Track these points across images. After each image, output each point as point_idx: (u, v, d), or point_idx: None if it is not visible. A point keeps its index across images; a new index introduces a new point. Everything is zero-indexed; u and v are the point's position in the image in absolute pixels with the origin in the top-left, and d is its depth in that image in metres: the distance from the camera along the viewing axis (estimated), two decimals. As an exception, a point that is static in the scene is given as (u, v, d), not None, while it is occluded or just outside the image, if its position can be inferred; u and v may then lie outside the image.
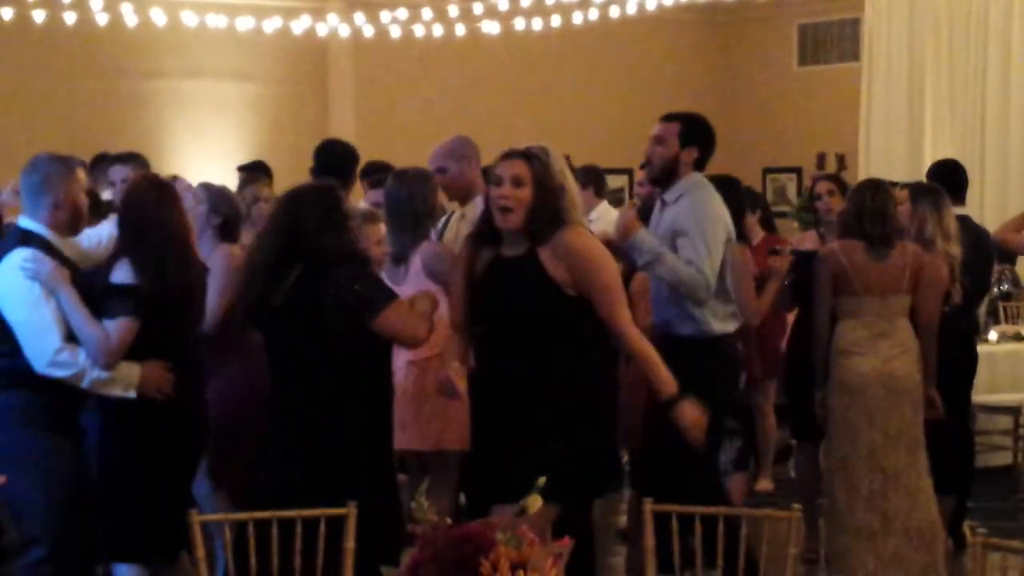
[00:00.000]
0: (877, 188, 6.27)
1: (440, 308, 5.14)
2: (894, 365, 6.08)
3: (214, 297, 5.49)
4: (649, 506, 4.11)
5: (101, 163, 7.33)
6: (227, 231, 5.99)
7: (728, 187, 6.68)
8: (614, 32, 11.88)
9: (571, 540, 3.25)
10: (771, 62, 14.39)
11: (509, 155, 4.77)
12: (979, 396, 7.63)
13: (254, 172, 9.54)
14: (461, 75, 12.69)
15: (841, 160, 13.46)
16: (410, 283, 5.78)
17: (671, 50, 14.26)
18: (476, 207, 6.41)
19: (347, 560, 4.10)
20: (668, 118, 5.94)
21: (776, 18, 13.55)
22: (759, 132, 14.27)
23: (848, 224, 6.24)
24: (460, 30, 10.95)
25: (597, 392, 4.93)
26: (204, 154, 11.43)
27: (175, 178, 7.39)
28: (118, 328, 4.91)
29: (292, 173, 9.31)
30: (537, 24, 11.12)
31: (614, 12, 11.03)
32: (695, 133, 5.84)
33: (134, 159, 6.90)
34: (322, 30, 11.05)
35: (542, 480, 3.34)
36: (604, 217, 8.21)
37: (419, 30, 10.94)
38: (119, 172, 6.67)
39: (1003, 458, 8.71)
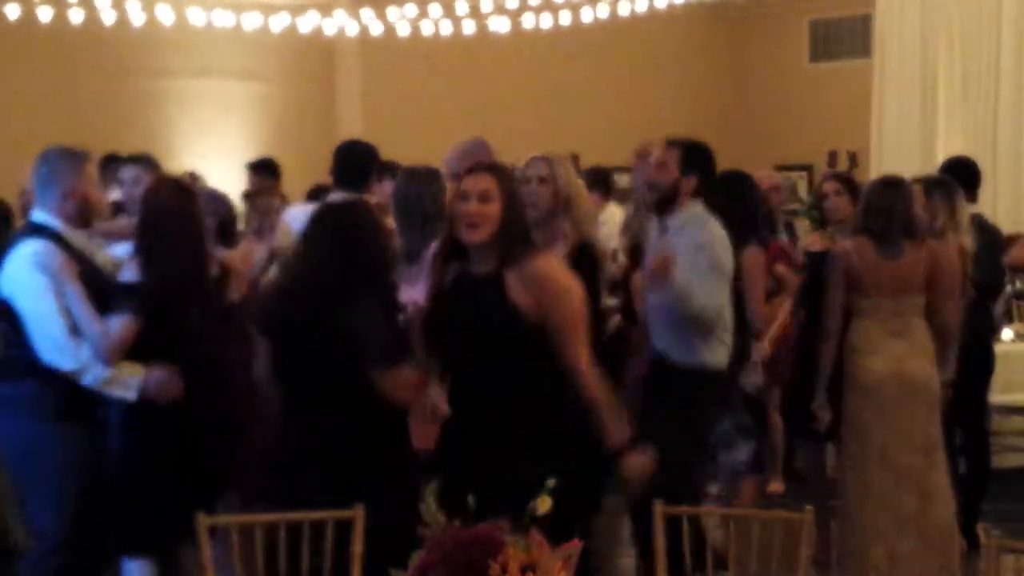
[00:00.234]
0: (886, 186, 6.22)
1: None
2: (908, 365, 6.02)
3: None
4: (660, 508, 4.08)
5: (111, 164, 7.33)
6: (222, 234, 5.98)
7: (739, 185, 6.63)
8: (624, 29, 11.83)
9: (580, 541, 3.21)
10: (782, 59, 14.35)
11: (476, 169, 4.60)
12: (994, 396, 7.57)
13: (263, 173, 9.53)
14: (469, 73, 12.64)
15: (853, 157, 13.40)
16: (424, 283, 5.74)
17: (681, 47, 14.21)
18: None
19: (355, 563, 4.07)
20: (670, 143, 5.90)
21: (787, 15, 13.50)
22: (770, 129, 14.23)
23: (859, 222, 6.21)
24: (468, 28, 10.91)
25: (571, 412, 4.69)
26: (211, 153, 11.40)
27: (193, 177, 7.39)
28: (119, 325, 4.92)
29: (300, 172, 9.32)
30: (546, 22, 11.08)
31: (624, 9, 10.98)
32: (695, 160, 5.77)
33: (144, 160, 6.90)
34: (329, 28, 11.02)
35: (551, 481, 3.31)
36: (610, 220, 8.17)
37: (427, 28, 10.91)
38: (129, 172, 6.68)
39: (1018, 459, 8.64)
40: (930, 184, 6.68)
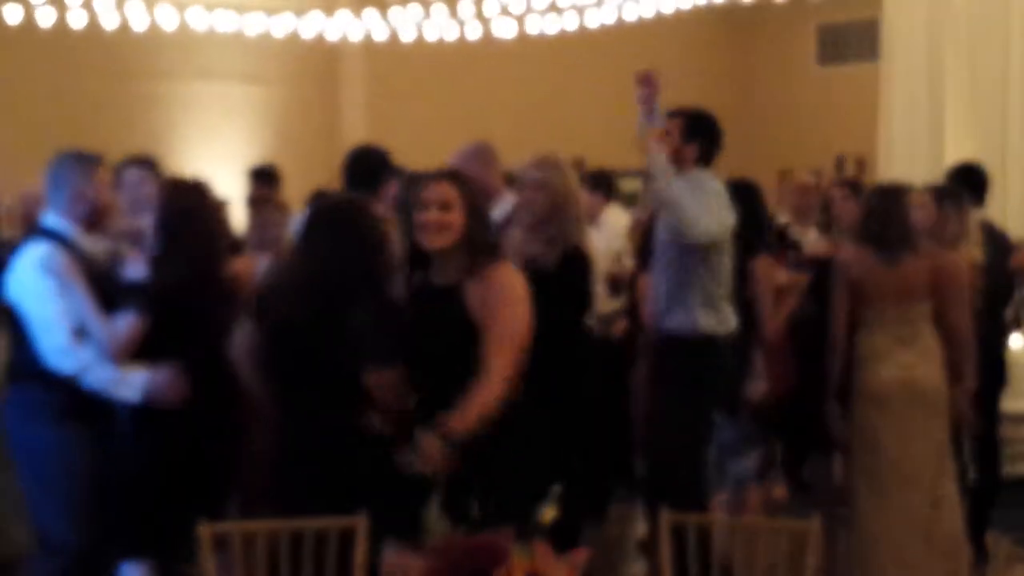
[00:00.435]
0: (883, 193, 6.19)
1: None
2: (916, 373, 5.97)
3: None
4: (666, 517, 4.04)
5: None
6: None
7: (746, 192, 6.61)
8: (630, 33, 11.78)
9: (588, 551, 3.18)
10: (790, 63, 14.34)
11: (434, 178, 4.54)
12: (1003, 404, 7.51)
13: (263, 180, 9.52)
14: (474, 77, 12.62)
15: (860, 162, 13.37)
16: None
17: (688, 51, 14.18)
18: (500, 211, 6.36)
19: (357, 573, 4.04)
20: (672, 114, 5.94)
21: (795, 18, 13.47)
22: (777, 133, 14.22)
23: (858, 230, 6.18)
24: (473, 32, 10.87)
25: (532, 427, 4.65)
26: (214, 156, 11.38)
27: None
28: (125, 324, 4.93)
29: (302, 176, 9.29)
30: (551, 26, 11.04)
31: (630, 14, 10.94)
32: (697, 129, 5.88)
33: (146, 161, 6.88)
34: (332, 32, 10.98)
35: (557, 489, 3.29)
36: (611, 222, 8.12)
37: (431, 32, 10.87)
38: (133, 174, 6.67)
39: (1027, 467, 8.60)
40: (940, 193, 6.64)
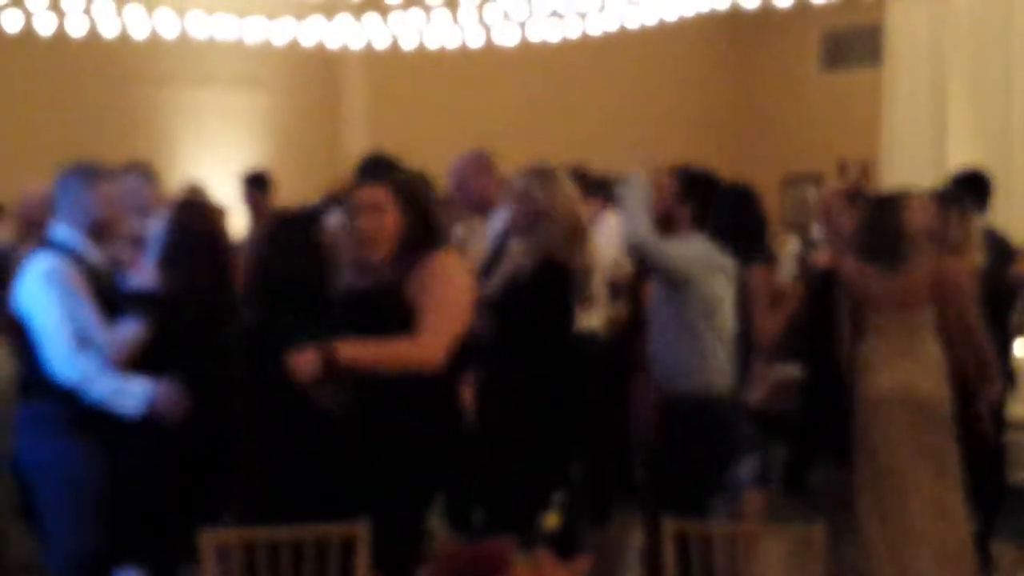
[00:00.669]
0: (878, 202, 6.17)
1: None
2: (916, 383, 5.94)
3: None
4: (669, 525, 4.02)
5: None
6: None
7: (743, 199, 6.60)
8: (632, 40, 11.77)
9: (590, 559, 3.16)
10: (792, 68, 14.32)
11: (367, 182, 4.51)
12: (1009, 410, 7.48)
13: (255, 187, 9.51)
14: (475, 84, 12.60)
15: (864, 167, 13.34)
16: None
17: (691, 58, 14.17)
18: (497, 219, 6.35)
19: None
20: (671, 171, 5.94)
21: (797, 24, 13.45)
22: (780, 139, 14.20)
23: (856, 239, 6.17)
24: (474, 38, 10.86)
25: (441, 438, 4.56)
26: (214, 162, 11.36)
27: (194, 190, 7.38)
28: (127, 332, 4.93)
29: (303, 181, 9.27)
30: (554, 33, 11.02)
31: (632, 21, 10.92)
32: (691, 190, 5.79)
33: (141, 168, 6.88)
34: (333, 38, 10.96)
35: (559, 496, 3.27)
36: (610, 228, 8.08)
37: (432, 38, 10.85)
38: (130, 182, 6.67)
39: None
40: (943, 198, 6.62)
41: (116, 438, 5.07)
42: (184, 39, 10.54)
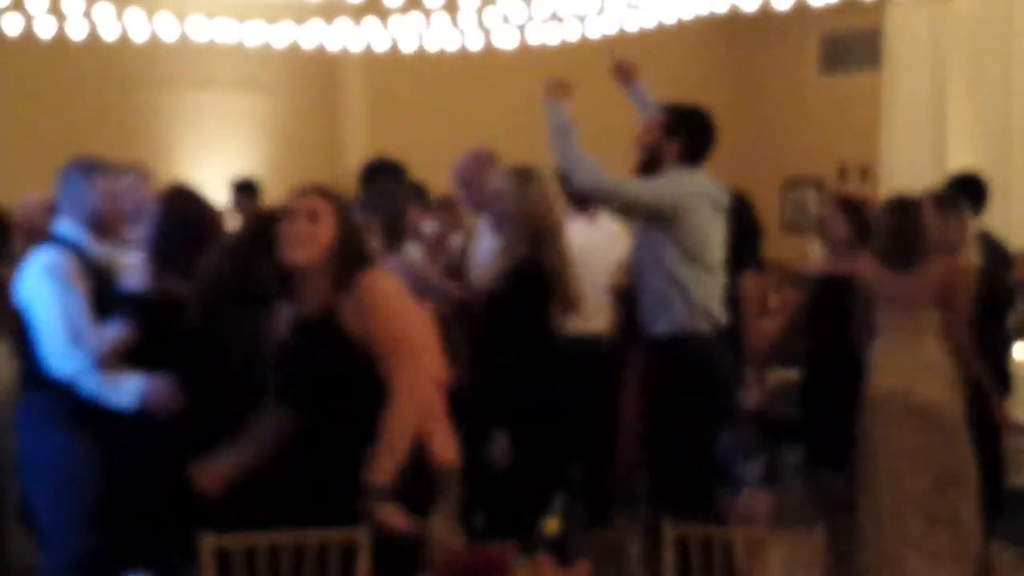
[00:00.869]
0: (890, 205, 6.18)
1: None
2: (916, 386, 5.93)
3: None
4: (669, 529, 4.01)
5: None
6: None
7: (736, 206, 6.61)
8: (631, 43, 11.74)
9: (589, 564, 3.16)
10: (792, 71, 14.30)
11: (305, 191, 4.35)
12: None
13: (243, 193, 9.51)
14: (475, 87, 12.58)
15: (863, 171, 13.32)
16: None
17: (690, 60, 14.15)
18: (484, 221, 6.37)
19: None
20: (661, 108, 5.89)
21: (797, 27, 13.44)
22: (780, 142, 14.18)
23: (872, 241, 6.19)
24: (474, 42, 10.85)
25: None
26: (214, 165, 11.35)
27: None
28: (113, 334, 4.97)
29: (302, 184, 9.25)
30: (553, 36, 11.01)
31: (632, 24, 10.91)
32: (681, 124, 5.74)
33: (137, 169, 6.88)
34: (333, 41, 10.96)
35: (560, 501, 3.27)
36: (606, 230, 8.05)
37: (432, 41, 10.84)
38: (127, 181, 6.66)
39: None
40: (942, 200, 6.63)
41: (114, 434, 5.08)
42: (184, 42, 10.53)
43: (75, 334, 4.95)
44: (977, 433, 6.14)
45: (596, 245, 7.23)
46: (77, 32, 9.92)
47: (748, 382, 6.62)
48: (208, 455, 4.98)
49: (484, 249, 6.37)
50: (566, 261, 5.91)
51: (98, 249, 5.21)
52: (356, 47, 11.07)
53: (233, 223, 8.25)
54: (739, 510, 6.32)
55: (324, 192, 4.35)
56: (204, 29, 10.47)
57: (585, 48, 11.50)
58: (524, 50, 11.06)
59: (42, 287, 5.01)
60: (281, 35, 10.76)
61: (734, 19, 11.42)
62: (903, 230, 6.00)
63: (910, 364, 5.96)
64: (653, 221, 5.59)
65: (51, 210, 5.41)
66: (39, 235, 5.70)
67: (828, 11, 11.08)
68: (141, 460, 5.11)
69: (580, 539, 6.37)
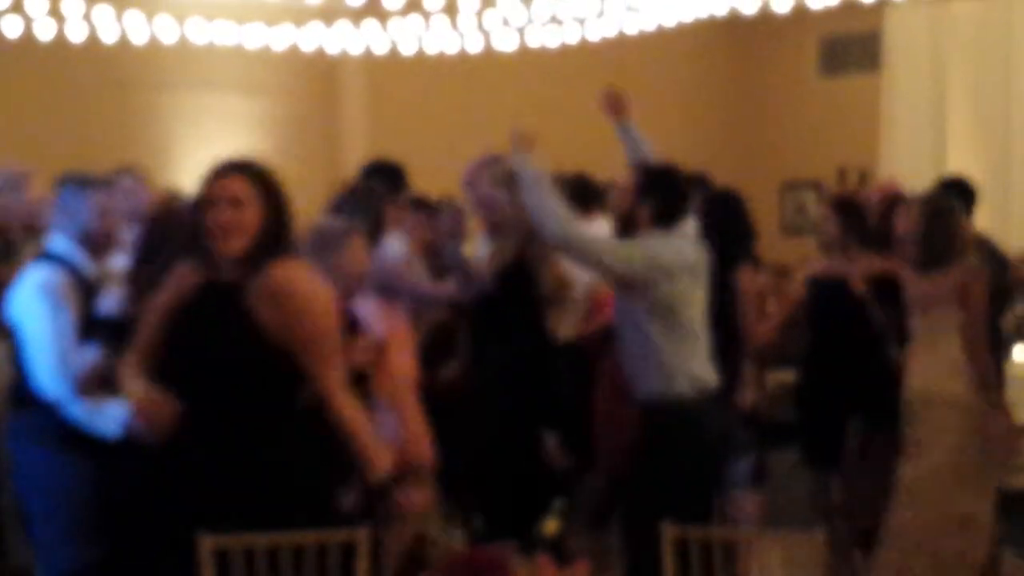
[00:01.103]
0: (933, 210, 6.18)
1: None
2: (929, 383, 5.94)
3: None
4: (669, 531, 4.01)
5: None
6: None
7: (729, 203, 6.62)
8: (631, 46, 11.77)
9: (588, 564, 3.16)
10: (791, 74, 14.30)
11: (226, 171, 4.03)
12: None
13: None
14: (475, 89, 12.58)
15: (863, 174, 13.32)
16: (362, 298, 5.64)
17: (689, 63, 14.15)
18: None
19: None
20: (633, 168, 5.87)
21: (796, 30, 13.44)
22: (779, 144, 14.18)
23: (910, 246, 6.21)
24: (474, 44, 10.85)
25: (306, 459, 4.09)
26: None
27: (172, 196, 7.36)
28: (87, 360, 4.94)
29: (302, 187, 9.23)
30: (552, 39, 11.01)
31: (631, 27, 10.92)
32: (652, 187, 5.62)
33: (132, 172, 6.89)
34: (332, 43, 10.96)
35: (558, 502, 3.27)
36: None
37: (431, 44, 10.85)
38: (126, 184, 6.67)
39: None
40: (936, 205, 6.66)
41: (105, 448, 5.03)
42: (184, 45, 10.53)
43: (63, 356, 4.91)
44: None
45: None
46: (77, 34, 9.93)
47: (745, 381, 6.61)
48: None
49: (483, 252, 6.39)
50: (557, 263, 5.92)
51: (90, 266, 5.17)
52: (356, 49, 11.07)
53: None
54: (728, 511, 6.31)
55: (247, 171, 4.06)
56: (204, 31, 10.48)
57: (585, 51, 11.53)
58: (524, 53, 11.07)
59: (34, 305, 4.98)
60: (281, 37, 10.76)
61: (733, 22, 11.43)
62: (934, 234, 6.01)
63: (929, 361, 5.97)
64: (623, 286, 5.54)
65: (41, 211, 5.38)
66: (33, 233, 5.70)
67: (827, 13, 11.08)
68: (133, 473, 5.07)
69: (579, 540, 6.36)
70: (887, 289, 6.49)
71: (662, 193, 5.58)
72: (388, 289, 5.64)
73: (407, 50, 10.90)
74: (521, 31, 10.73)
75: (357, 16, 10.79)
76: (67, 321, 4.93)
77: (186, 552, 3.99)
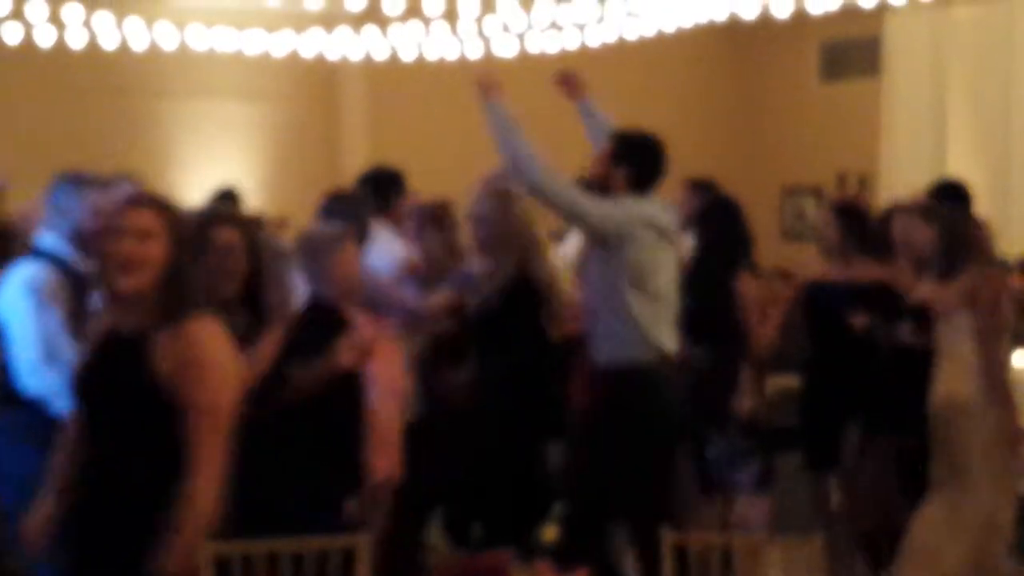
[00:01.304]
0: (954, 219, 6.17)
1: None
2: (940, 387, 5.93)
3: None
4: (668, 537, 4.00)
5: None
6: None
7: (727, 211, 6.62)
8: (631, 51, 11.76)
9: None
10: (792, 79, 14.29)
11: (136, 202, 3.81)
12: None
13: (224, 202, 9.48)
14: (475, 96, 12.56)
15: (863, 179, 13.30)
16: None
17: (690, 69, 14.14)
18: None
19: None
20: (610, 135, 5.87)
21: (797, 35, 13.43)
22: (779, 150, 14.17)
23: (933, 257, 6.20)
24: (473, 50, 10.84)
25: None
26: (213, 174, 11.33)
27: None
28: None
29: (302, 193, 9.27)
30: (553, 45, 11.00)
31: (631, 32, 10.91)
32: (627, 152, 5.69)
33: (129, 179, 6.87)
34: (332, 50, 10.96)
35: (558, 508, 3.26)
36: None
37: (432, 50, 10.85)
38: (124, 190, 6.66)
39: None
40: (928, 211, 6.65)
41: None
42: (184, 51, 10.53)
43: (49, 352, 4.90)
44: None
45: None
46: (77, 41, 9.93)
47: (743, 388, 6.61)
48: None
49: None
50: (554, 274, 5.94)
51: (84, 263, 5.11)
52: (356, 56, 11.06)
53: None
54: (735, 517, 6.31)
55: (157, 205, 3.82)
56: (203, 38, 10.47)
57: (585, 57, 11.51)
58: (524, 58, 11.06)
59: (20, 302, 4.98)
60: (281, 44, 10.75)
61: (734, 27, 11.42)
62: (952, 242, 6.00)
63: (945, 367, 5.96)
64: (596, 240, 5.54)
65: (35, 218, 5.36)
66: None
67: (828, 19, 11.06)
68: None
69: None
70: (883, 296, 6.49)
71: (637, 158, 5.66)
72: (374, 303, 5.64)
73: (407, 56, 10.90)
74: (521, 37, 10.72)
75: (357, 22, 10.79)
76: (54, 319, 4.92)
77: None
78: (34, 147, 10.46)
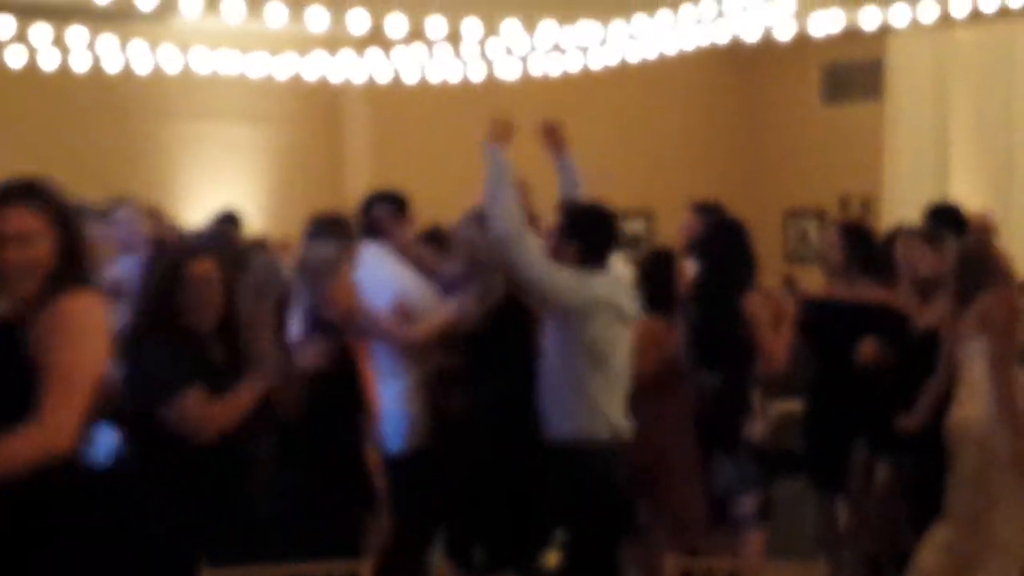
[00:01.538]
0: (969, 254, 6.15)
1: None
2: (955, 411, 5.92)
3: None
4: (673, 562, 4.00)
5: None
6: None
7: (734, 232, 6.61)
8: (633, 74, 11.78)
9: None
10: (794, 102, 14.30)
11: (5, 200, 3.56)
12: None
13: (226, 226, 9.50)
14: (477, 118, 12.56)
15: (865, 202, 13.31)
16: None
17: (692, 92, 14.15)
18: None
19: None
20: (562, 208, 5.91)
21: (799, 58, 13.46)
22: (782, 173, 14.17)
23: (951, 282, 6.19)
24: (476, 73, 10.87)
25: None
26: (216, 197, 11.35)
27: (152, 213, 7.36)
28: None
29: (305, 216, 9.26)
30: (555, 67, 11.03)
31: (634, 55, 10.93)
32: (578, 226, 5.69)
33: (129, 204, 6.91)
34: (335, 73, 10.99)
35: (561, 534, 3.25)
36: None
37: (434, 72, 10.87)
38: (124, 213, 6.69)
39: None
40: (930, 235, 6.64)
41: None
42: (187, 74, 10.56)
43: None
44: None
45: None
46: (80, 64, 9.96)
47: (755, 412, 6.58)
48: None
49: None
50: None
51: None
52: (359, 78, 11.09)
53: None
54: (734, 550, 6.27)
55: (32, 199, 3.60)
56: (207, 61, 10.50)
57: (588, 79, 11.53)
58: (527, 81, 11.07)
59: None
60: (284, 67, 10.78)
61: (736, 50, 11.44)
62: (967, 267, 5.99)
63: (962, 390, 5.95)
64: (556, 314, 5.51)
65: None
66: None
67: (830, 42, 11.09)
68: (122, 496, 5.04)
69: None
70: (887, 318, 6.48)
71: (587, 233, 5.65)
72: (363, 331, 5.62)
73: (410, 79, 10.92)
74: (524, 59, 10.74)
75: (360, 45, 10.81)
76: None
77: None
78: (38, 169, 10.46)
